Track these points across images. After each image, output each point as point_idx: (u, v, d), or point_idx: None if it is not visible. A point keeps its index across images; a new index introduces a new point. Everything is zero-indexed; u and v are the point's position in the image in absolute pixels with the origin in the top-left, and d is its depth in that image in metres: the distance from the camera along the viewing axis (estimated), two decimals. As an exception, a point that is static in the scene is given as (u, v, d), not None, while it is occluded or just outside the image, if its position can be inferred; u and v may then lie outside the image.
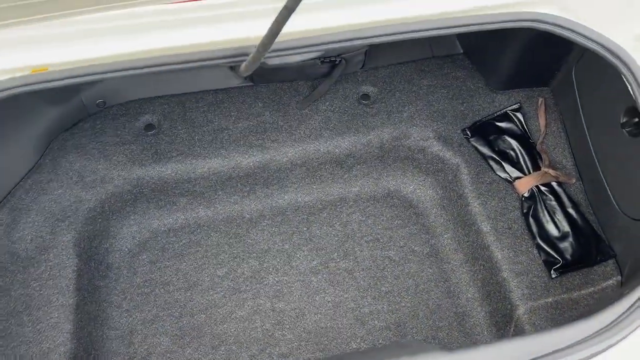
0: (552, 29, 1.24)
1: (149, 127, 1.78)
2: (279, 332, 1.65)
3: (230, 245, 1.79)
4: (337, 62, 1.74)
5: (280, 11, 0.89)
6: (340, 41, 1.16)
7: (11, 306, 1.49)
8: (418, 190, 1.90)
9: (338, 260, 1.78)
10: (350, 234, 1.83)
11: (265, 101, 1.84)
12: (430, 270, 1.77)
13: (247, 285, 1.73)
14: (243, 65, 1.08)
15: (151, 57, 1.12)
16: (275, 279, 1.74)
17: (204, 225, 1.82)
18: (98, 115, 1.78)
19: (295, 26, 1.14)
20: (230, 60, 1.13)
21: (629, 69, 1.20)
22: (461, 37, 1.98)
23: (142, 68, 1.09)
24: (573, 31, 1.24)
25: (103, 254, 1.71)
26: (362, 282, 1.75)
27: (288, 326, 1.66)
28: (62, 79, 1.07)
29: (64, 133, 1.74)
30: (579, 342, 1.01)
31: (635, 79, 1.19)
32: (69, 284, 1.54)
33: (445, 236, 1.82)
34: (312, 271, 1.76)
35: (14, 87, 1.08)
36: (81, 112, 1.76)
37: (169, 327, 1.65)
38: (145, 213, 1.80)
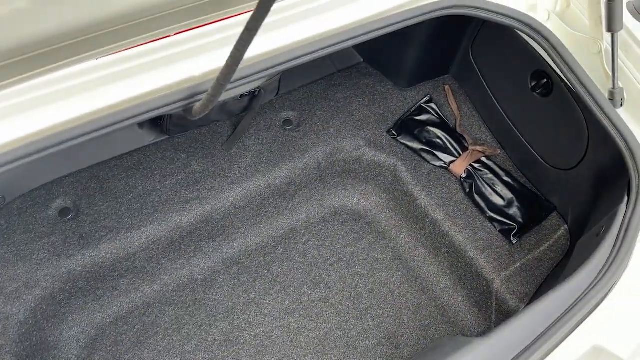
0: (465, 11, 1.31)
1: (65, 211, 1.55)
2: (275, 387, 1.52)
3: (191, 314, 1.62)
4: (256, 94, 1.67)
5: (241, 35, 0.82)
6: (284, 62, 1.12)
7: None
8: (363, 200, 1.89)
9: (309, 292, 1.70)
10: (313, 262, 1.76)
11: (188, 151, 1.71)
12: (400, 273, 1.76)
13: (224, 350, 1.57)
14: (198, 104, 0.98)
15: (83, 123, 0.97)
16: (252, 333, 1.61)
17: (154, 303, 1.62)
18: (0, 214, 1.51)
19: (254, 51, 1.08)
20: (182, 104, 1.02)
21: (542, 35, 1.32)
22: (358, 46, 2.03)
23: (61, 144, 0.94)
24: (482, 9, 1.33)
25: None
26: (340, 307, 1.68)
27: None
28: None
29: (-40, 245, 1.44)
30: (591, 286, 1.06)
31: (551, 44, 1.30)
32: None
33: (402, 236, 1.83)
34: (287, 312, 1.65)
35: None
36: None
37: None
38: (84, 309, 1.55)
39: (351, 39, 1.26)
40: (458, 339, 1.06)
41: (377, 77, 1.97)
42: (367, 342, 1.63)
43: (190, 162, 1.69)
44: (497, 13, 1.37)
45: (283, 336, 1.61)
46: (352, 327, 1.65)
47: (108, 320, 1.58)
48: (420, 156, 1.83)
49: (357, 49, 2.03)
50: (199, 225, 1.64)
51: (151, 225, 1.57)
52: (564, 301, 1.05)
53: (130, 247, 1.55)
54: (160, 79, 1.03)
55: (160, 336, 1.57)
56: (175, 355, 1.55)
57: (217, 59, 1.10)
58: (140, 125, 1.70)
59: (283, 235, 1.80)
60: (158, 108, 1.01)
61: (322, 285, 1.72)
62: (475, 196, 1.74)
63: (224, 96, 1.31)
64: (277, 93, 1.84)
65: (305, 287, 1.71)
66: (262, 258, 1.74)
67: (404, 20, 1.31)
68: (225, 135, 1.77)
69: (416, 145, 1.84)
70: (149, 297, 1.63)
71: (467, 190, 1.76)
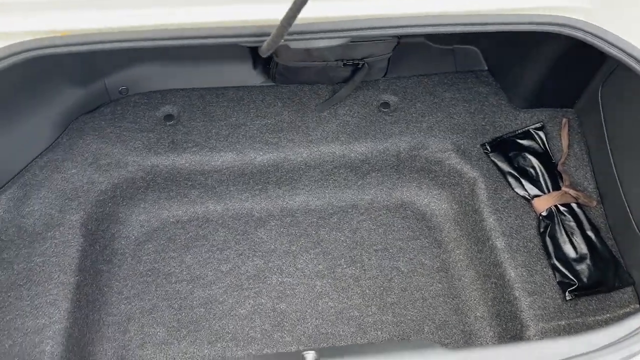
0: (581, 35, 1.21)
1: (168, 117, 1.80)
2: (278, 334, 1.61)
3: (237, 241, 1.77)
4: (359, 66, 1.73)
5: None
6: (363, 29, 1.15)
7: (12, 279, 1.48)
8: (432, 204, 1.86)
9: (345, 266, 1.74)
10: (360, 241, 1.79)
11: (285, 101, 1.84)
12: (440, 285, 1.71)
13: (250, 284, 1.69)
14: (264, 44, 1.07)
15: (173, 29, 1.13)
16: (279, 279, 1.70)
17: (212, 220, 1.80)
18: (119, 102, 1.80)
19: (321, 11, 1.15)
20: (252, 40, 1.13)
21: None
22: (486, 53, 1.97)
23: (161, 40, 1.10)
24: (603, 40, 1.21)
25: (109, 238, 1.70)
26: (367, 291, 1.70)
27: (288, 328, 1.61)
28: (76, 45, 1.08)
29: (84, 115, 1.76)
30: (588, 353, 0.95)
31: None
32: (72, 263, 1.53)
33: (457, 252, 1.76)
34: (317, 275, 1.72)
35: (28, 50, 1.09)
36: (103, 97, 1.79)
37: (167, 318, 1.62)
38: (156, 202, 1.79)
39: (460, 25, 1.21)
40: (428, 342, 1.04)
41: (494, 88, 1.89)
42: (379, 333, 1.62)
43: (282, 111, 1.82)
44: (627, 54, 1.22)
45: (305, 293, 1.68)
46: (370, 313, 1.65)
47: (171, 220, 1.80)
48: (506, 179, 1.73)
49: (485, 56, 1.96)
50: (269, 169, 1.77)
51: (230, 153, 1.74)
52: (551, 353, 0.96)
53: (207, 165, 1.74)
54: (246, 14, 1.14)
55: (205, 249, 1.75)
56: (210, 270, 1.71)
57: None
58: (255, 65, 1.87)
59: (342, 207, 1.85)
60: (233, 36, 1.13)
61: (359, 264, 1.74)
62: (547, 238, 1.60)
63: (317, 43, 1.37)
64: (385, 74, 1.88)
65: (342, 260, 1.75)
66: (315, 219, 1.82)
67: (527, 23, 1.24)
68: (323, 98, 1.86)
69: (506, 167, 1.74)
70: (210, 213, 1.81)
71: (542, 229, 1.62)
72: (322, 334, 1.61)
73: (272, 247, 1.76)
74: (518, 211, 1.67)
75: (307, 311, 1.65)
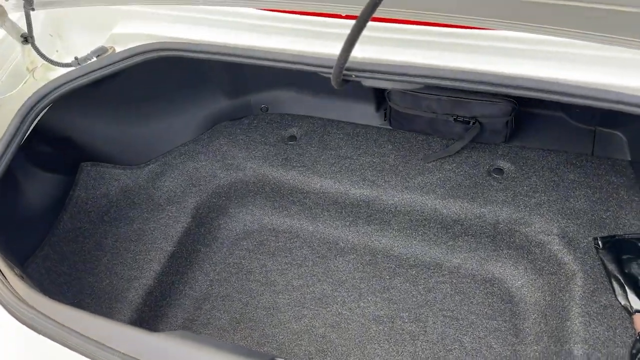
0: None
1: (292, 138, 2.01)
2: (318, 360, 1.64)
3: (315, 263, 1.86)
4: (470, 124, 1.70)
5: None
6: (448, 78, 1.18)
7: (128, 234, 1.83)
8: (525, 289, 1.68)
9: (406, 320, 1.69)
10: (431, 302, 1.72)
11: (396, 145, 1.90)
12: (500, 377, 1.53)
13: (312, 304, 1.76)
14: (332, 75, 1.19)
15: (267, 50, 1.33)
16: (339, 310, 1.74)
17: (301, 237, 1.94)
18: (258, 117, 2.09)
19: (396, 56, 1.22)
20: (322, 69, 1.26)
21: None
22: (634, 142, 1.72)
23: (259, 59, 1.32)
24: None
25: (214, 226, 1.97)
26: (420, 354, 1.61)
27: (328, 359, 1.64)
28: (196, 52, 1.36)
29: (226, 122, 2.09)
30: None
31: None
32: (175, 235, 1.82)
33: (535, 347, 1.56)
34: (375, 319, 1.70)
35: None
36: (246, 110, 2.10)
37: (233, 309, 1.79)
38: (261, 208, 2.01)
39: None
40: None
41: (630, 182, 1.64)
42: (414, 399, 1.53)
43: (389, 154, 1.88)
44: None
45: (357, 332, 1.68)
46: (414, 376, 1.57)
47: (268, 227, 1.99)
48: (610, 283, 1.48)
49: (631, 145, 1.72)
50: (361, 204, 1.83)
51: (330, 180, 1.87)
52: None
53: (307, 185, 1.89)
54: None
55: (285, 260, 1.89)
56: (283, 280, 1.84)
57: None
58: (377, 108, 1.98)
59: (425, 263, 1.80)
60: (313, 65, 1.27)
61: (421, 324, 1.67)
62: (640, 365, 1.33)
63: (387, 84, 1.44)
64: (506, 140, 1.79)
65: (405, 314, 1.70)
66: (393, 266, 1.81)
67: None
68: (433, 150, 1.86)
69: (614, 269, 1.49)
70: (302, 230, 1.95)
71: (634, 351, 1.35)
72: (359, 376, 1.59)
73: (344, 278, 1.81)
74: (612, 322, 1.42)
75: (353, 350, 1.65)
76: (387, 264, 1.82)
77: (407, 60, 1.23)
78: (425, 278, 1.77)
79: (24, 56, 1.49)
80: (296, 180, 1.91)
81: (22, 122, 1.40)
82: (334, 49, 1.27)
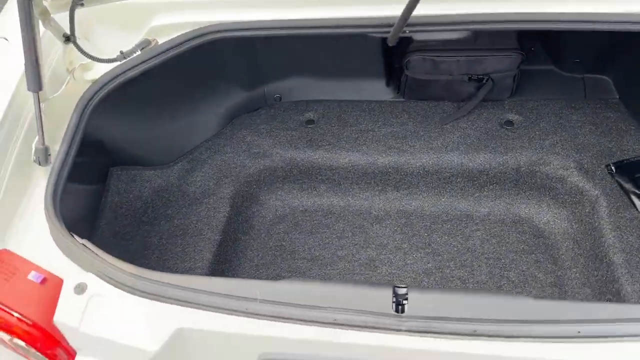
0: None
1: (310, 122, 2.10)
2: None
3: (354, 233, 1.95)
4: (484, 82, 1.87)
5: None
6: (490, 22, 1.33)
7: (171, 230, 1.84)
8: (552, 223, 1.85)
9: (453, 268, 1.81)
10: (471, 248, 1.85)
11: (411, 114, 2.04)
12: (550, 299, 1.68)
13: (362, 270, 1.84)
14: (390, 33, 1.30)
15: (314, 19, 1.43)
16: (388, 270, 1.83)
17: (335, 213, 2.02)
18: (273, 106, 2.16)
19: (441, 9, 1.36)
20: (379, 30, 1.37)
21: None
22: (619, 83, 1.96)
23: (309, 28, 1.40)
24: None
25: (250, 214, 2.01)
26: (473, 294, 1.73)
27: None
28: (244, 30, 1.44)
29: (245, 114, 2.14)
30: None
31: None
32: (219, 224, 1.84)
33: (574, 270, 1.72)
34: (425, 272, 1.81)
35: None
36: (261, 101, 2.17)
37: (285, 288, 1.83)
38: (290, 192, 2.07)
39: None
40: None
41: (624, 115, 1.88)
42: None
43: (407, 122, 2.01)
44: None
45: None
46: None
47: (300, 208, 2.06)
48: (630, 199, 1.68)
49: (617, 86, 1.96)
50: (390, 170, 1.95)
51: (356, 153, 1.97)
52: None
53: (335, 162, 1.98)
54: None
55: (326, 235, 1.95)
56: (328, 253, 1.90)
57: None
58: (388, 83, 2.11)
59: (457, 216, 1.94)
60: (362, 27, 1.38)
61: (468, 269, 1.80)
62: (674, 260, 1.52)
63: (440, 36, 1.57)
64: (511, 95, 1.98)
65: (452, 262, 1.82)
66: (428, 223, 1.93)
67: None
68: (447, 113, 2.02)
69: (631, 187, 1.69)
70: (333, 207, 2.03)
71: (667, 250, 1.54)
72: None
73: (385, 242, 1.91)
74: (641, 231, 1.61)
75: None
76: (422, 222, 1.94)
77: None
78: (460, 229, 1.90)
79: (64, 57, 1.50)
80: (324, 158, 1.99)
81: (80, 117, 1.40)
82: (381, 11, 1.40)
